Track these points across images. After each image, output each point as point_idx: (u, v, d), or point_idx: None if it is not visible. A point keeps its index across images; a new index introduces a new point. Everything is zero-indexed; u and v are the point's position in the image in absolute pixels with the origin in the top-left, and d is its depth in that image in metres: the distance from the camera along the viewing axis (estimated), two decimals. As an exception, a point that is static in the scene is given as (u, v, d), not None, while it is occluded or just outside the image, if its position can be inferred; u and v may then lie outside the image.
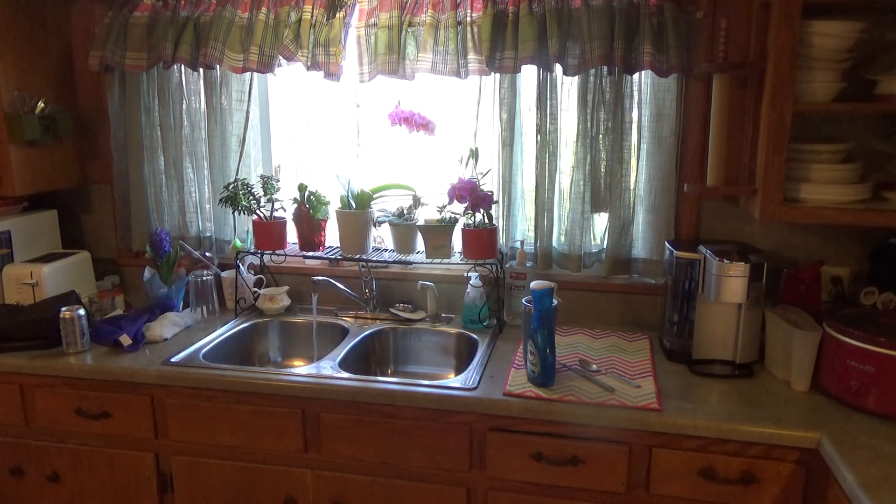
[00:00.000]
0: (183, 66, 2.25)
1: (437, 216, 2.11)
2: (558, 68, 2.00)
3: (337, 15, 2.06)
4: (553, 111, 2.05)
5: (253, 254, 2.30)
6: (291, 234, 2.27)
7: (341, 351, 1.97)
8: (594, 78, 2.01)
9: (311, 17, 2.07)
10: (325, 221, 2.23)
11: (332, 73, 2.08)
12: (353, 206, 2.16)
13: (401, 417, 1.72)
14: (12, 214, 2.32)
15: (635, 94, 2.01)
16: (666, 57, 1.88)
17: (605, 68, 1.98)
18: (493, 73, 2.02)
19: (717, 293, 1.73)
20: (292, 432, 1.80)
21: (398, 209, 2.18)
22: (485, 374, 1.79)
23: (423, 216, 2.16)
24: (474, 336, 2.08)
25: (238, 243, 2.38)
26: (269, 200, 2.21)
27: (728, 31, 1.80)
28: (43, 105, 2.23)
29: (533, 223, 2.16)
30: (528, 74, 2.06)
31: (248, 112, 2.30)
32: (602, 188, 2.10)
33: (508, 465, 1.67)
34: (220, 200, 2.19)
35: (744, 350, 1.80)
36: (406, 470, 1.76)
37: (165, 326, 2.06)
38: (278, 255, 2.27)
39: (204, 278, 2.26)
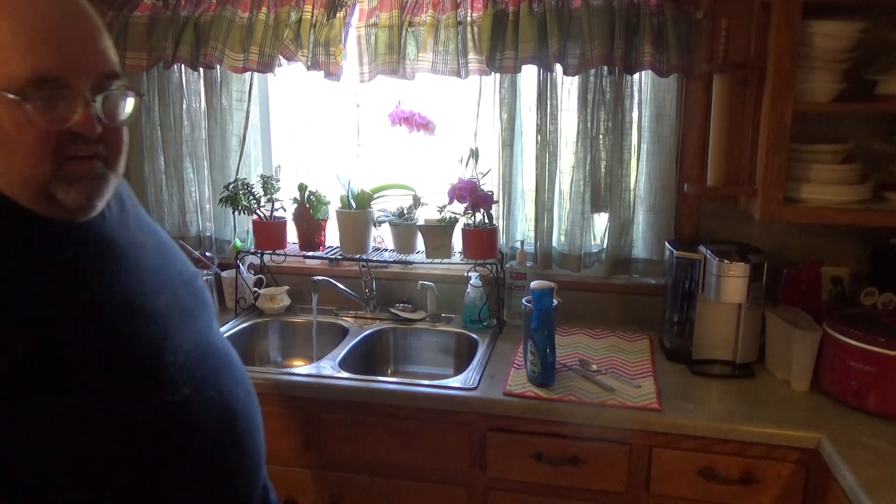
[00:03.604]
0: (183, 65, 2.25)
1: (437, 216, 2.11)
2: (558, 68, 2.00)
3: (337, 15, 2.06)
4: (553, 111, 2.05)
5: (253, 254, 2.30)
6: (291, 234, 2.27)
7: (341, 351, 1.97)
8: (594, 78, 2.01)
9: (312, 16, 2.07)
10: (325, 221, 2.23)
11: (332, 73, 2.08)
12: (353, 206, 2.17)
13: (401, 417, 1.72)
14: (12, 214, 2.31)
15: (635, 94, 2.01)
16: (666, 57, 1.88)
17: (606, 68, 1.98)
18: (493, 73, 2.02)
19: (718, 293, 1.73)
20: (292, 432, 1.80)
21: (398, 209, 2.18)
22: (485, 374, 1.79)
23: (423, 216, 2.16)
24: (474, 336, 2.08)
25: (238, 243, 2.38)
26: (269, 200, 2.21)
27: (728, 31, 1.80)
28: (43, 105, 2.23)
29: (533, 223, 2.16)
30: (529, 74, 2.06)
31: (248, 112, 2.30)
32: (602, 188, 2.10)
33: (508, 465, 1.67)
34: (220, 200, 2.19)
35: (744, 350, 1.80)
36: (406, 470, 1.76)
37: (165, 326, 2.06)
38: (278, 255, 2.27)
39: (204, 278, 2.26)
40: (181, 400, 0.91)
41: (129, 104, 0.91)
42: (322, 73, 2.09)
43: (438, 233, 2.09)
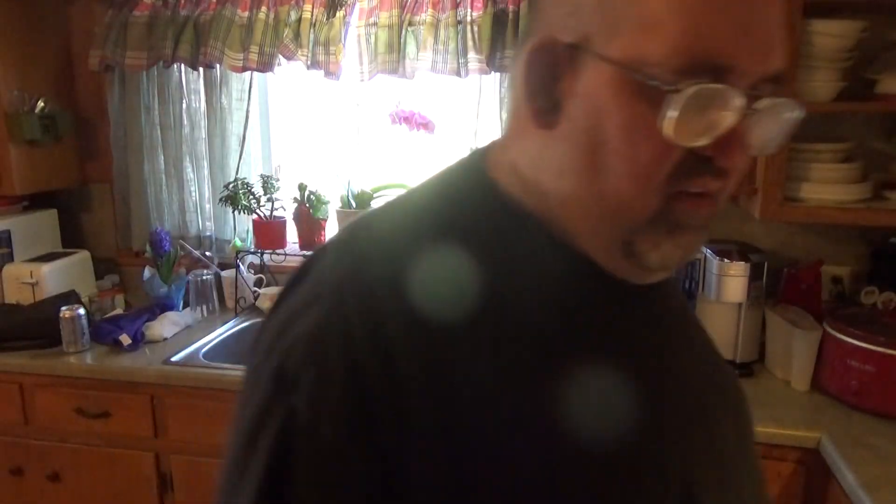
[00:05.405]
0: (183, 65, 2.25)
1: (438, 216, 2.10)
2: (558, 68, 1.99)
3: (337, 14, 2.06)
4: (553, 110, 2.05)
5: (253, 253, 2.30)
6: (292, 234, 2.26)
7: (341, 350, 1.97)
8: (594, 77, 2.01)
9: (311, 16, 2.07)
10: (326, 221, 2.23)
11: (332, 73, 2.08)
12: (354, 205, 2.16)
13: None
14: (12, 214, 2.31)
15: (635, 93, 2.01)
16: (666, 56, 1.88)
17: (606, 68, 1.97)
18: (493, 73, 2.02)
19: (718, 292, 1.72)
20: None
21: (398, 208, 2.18)
22: (485, 373, 1.78)
23: (423, 216, 2.15)
24: (474, 335, 2.08)
25: (238, 243, 2.38)
26: (269, 200, 2.20)
27: (728, 31, 1.80)
28: (43, 105, 2.23)
29: (533, 223, 2.15)
30: (529, 74, 2.06)
31: (248, 111, 2.30)
32: (602, 187, 2.09)
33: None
34: (220, 200, 2.19)
35: (744, 350, 1.80)
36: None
37: (165, 326, 2.06)
38: (278, 254, 2.27)
39: (204, 278, 2.26)
40: None
41: (785, 122, 0.52)
42: (322, 72, 2.09)
43: (438, 232, 2.08)
